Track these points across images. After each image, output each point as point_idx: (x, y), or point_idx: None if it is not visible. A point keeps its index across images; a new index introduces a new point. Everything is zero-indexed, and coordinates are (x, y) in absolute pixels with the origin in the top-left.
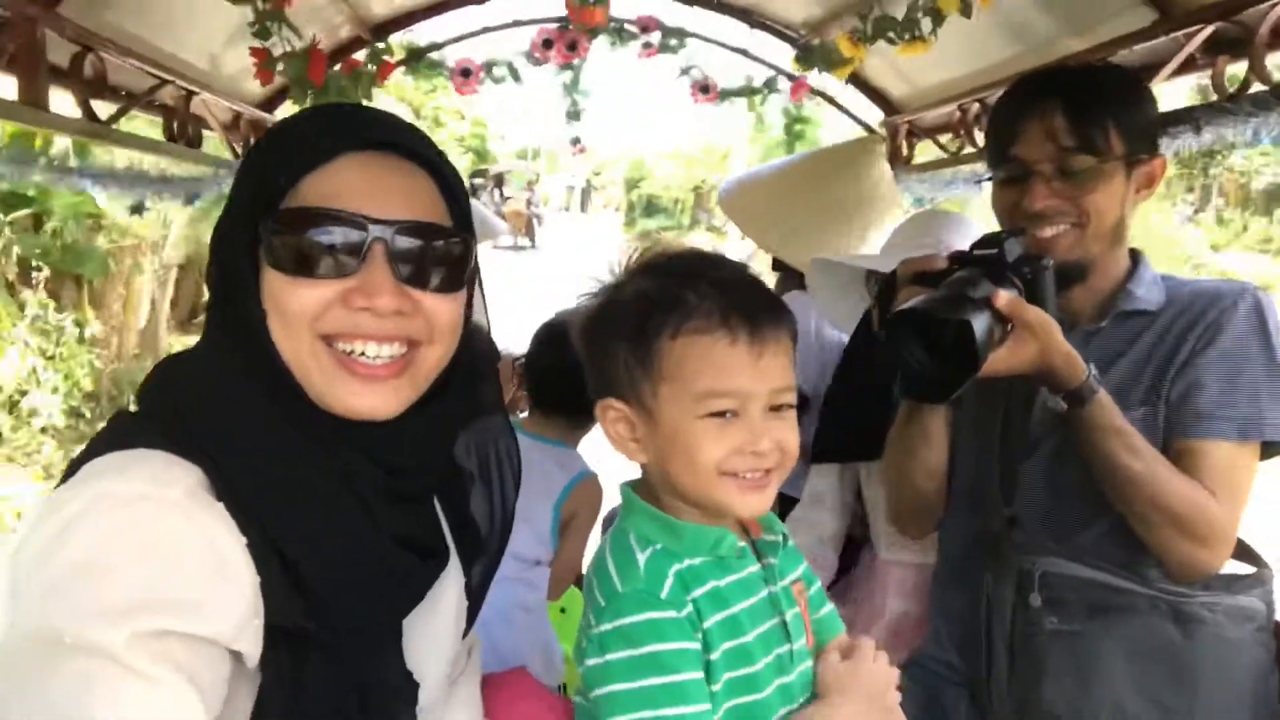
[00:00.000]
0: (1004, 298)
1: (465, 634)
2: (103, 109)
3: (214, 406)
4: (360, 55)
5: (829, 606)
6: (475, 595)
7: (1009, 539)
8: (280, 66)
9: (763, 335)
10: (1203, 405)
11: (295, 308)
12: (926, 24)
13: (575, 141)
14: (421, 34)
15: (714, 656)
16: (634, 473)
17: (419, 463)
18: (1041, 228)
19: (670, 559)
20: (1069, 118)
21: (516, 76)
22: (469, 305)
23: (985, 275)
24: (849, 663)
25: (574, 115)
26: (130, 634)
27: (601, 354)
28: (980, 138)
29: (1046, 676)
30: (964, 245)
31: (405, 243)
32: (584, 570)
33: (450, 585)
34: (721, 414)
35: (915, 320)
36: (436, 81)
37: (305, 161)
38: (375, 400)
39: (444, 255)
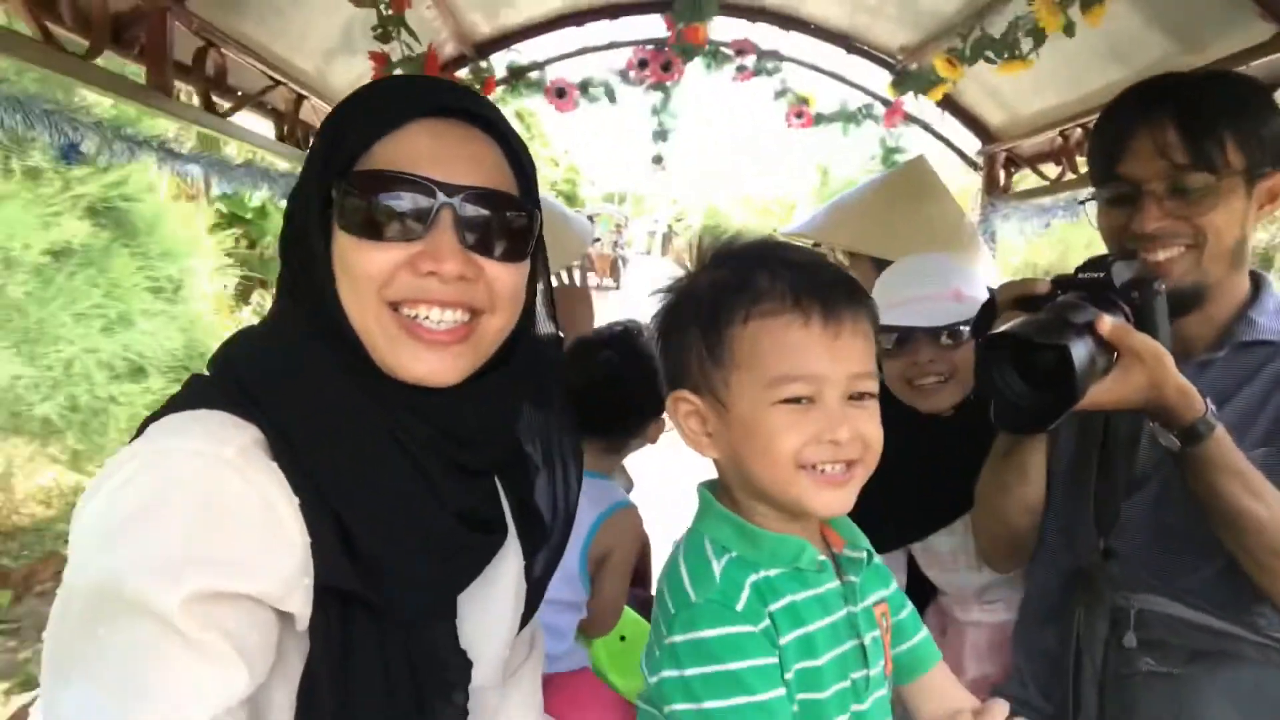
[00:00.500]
0: (1108, 323)
1: (525, 621)
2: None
3: (277, 370)
4: (462, 73)
5: (923, 633)
6: (537, 584)
7: (1104, 573)
8: (398, 71)
9: (839, 316)
10: None
11: (363, 271)
12: (1027, 44)
13: (658, 160)
14: (522, 54)
15: (787, 676)
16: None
17: (479, 433)
18: (1153, 250)
19: (747, 569)
20: (1182, 131)
21: (612, 96)
22: (533, 280)
23: (1089, 300)
24: None
25: (660, 136)
26: (182, 598)
27: (674, 345)
28: (1083, 164)
29: None
30: (973, 291)
31: (472, 209)
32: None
33: (509, 567)
34: (796, 400)
35: (1010, 345)
36: (531, 122)
37: (377, 127)
38: (437, 365)
39: (509, 224)
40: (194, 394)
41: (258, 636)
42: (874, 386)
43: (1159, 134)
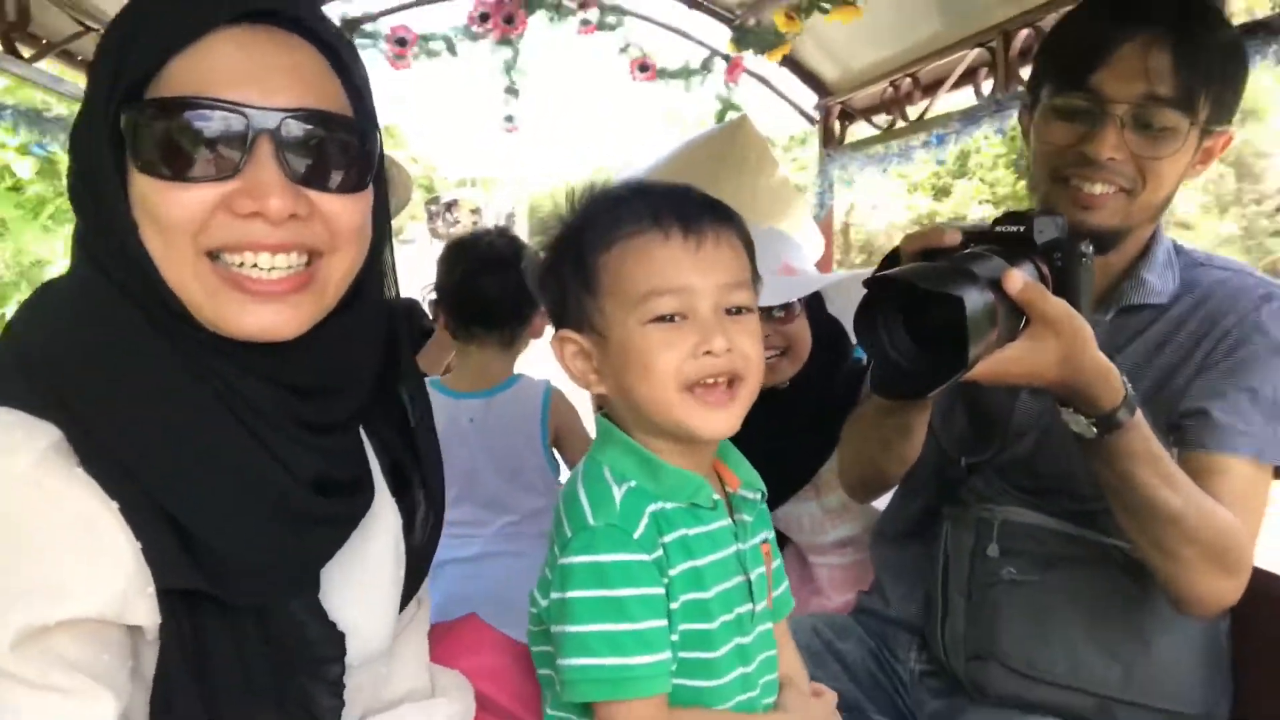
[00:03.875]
0: (1018, 280)
1: (415, 584)
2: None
3: (76, 347)
4: None
5: (785, 584)
6: (422, 549)
7: (969, 487)
8: None
9: (700, 229)
10: (1222, 418)
11: (171, 217)
12: None
13: (509, 119)
14: (356, 6)
15: (674, 606)
16: None
17: (327, 383)
18: (1092, 181)
19: (645, 498)
20: (1176, 59)
21: (453, 50)
22: (380, 211)
23: (1003, 255)
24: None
25: (512, 92)
26: (10, 642)
27: (551, 286)
28: (912, 113)
29: (1002, 625)
30: (801, 264)
31: (296, 134)
32: None
33: (383, 529)
34: (669, 319)
35: (897, 293)
36: (393, 129)
37: (171, 40)
38: (271, 319)
39: (343, 149)
40: None
41: (109, 656)
42: (749, 300)
43: (1150, 55)
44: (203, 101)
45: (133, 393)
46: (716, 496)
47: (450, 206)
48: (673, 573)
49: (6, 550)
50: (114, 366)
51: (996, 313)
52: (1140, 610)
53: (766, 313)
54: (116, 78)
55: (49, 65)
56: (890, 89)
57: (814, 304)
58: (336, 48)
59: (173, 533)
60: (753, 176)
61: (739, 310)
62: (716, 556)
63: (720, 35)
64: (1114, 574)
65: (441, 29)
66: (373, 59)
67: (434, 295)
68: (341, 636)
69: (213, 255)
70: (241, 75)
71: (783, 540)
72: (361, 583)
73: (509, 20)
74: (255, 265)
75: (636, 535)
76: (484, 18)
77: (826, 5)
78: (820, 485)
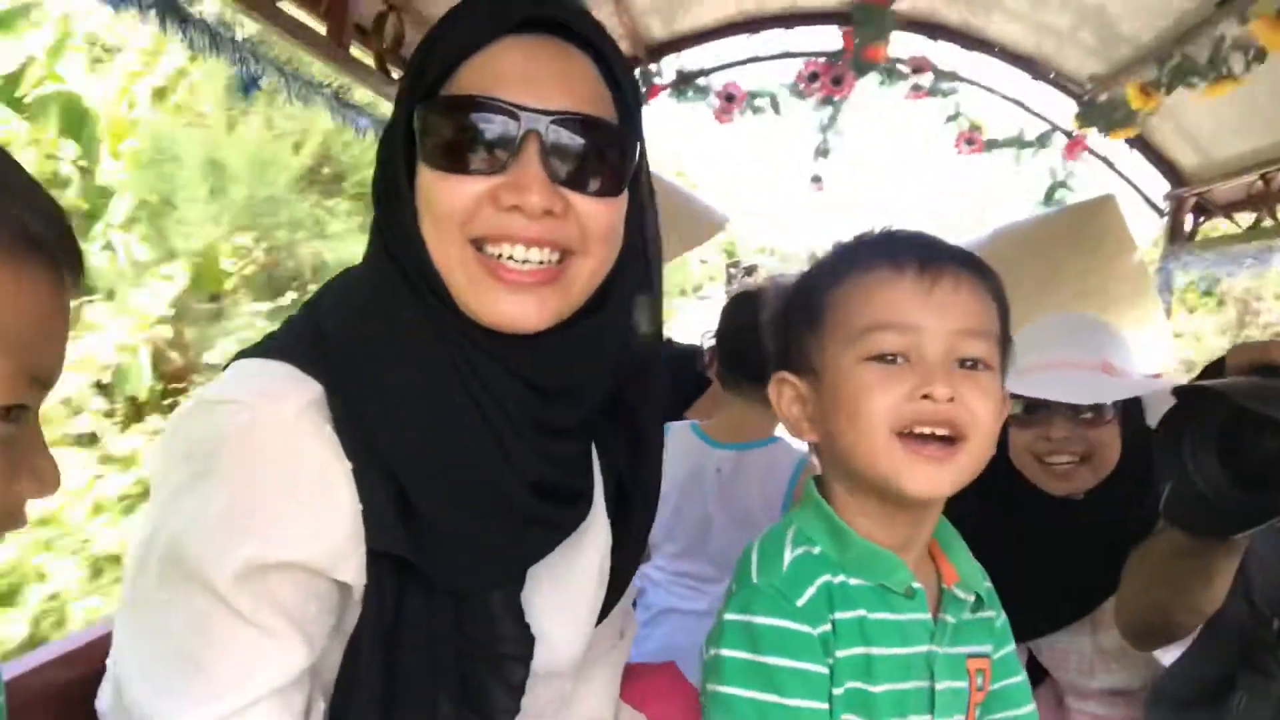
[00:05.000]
0: None
1: (609, 606)
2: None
3: (355, 322)
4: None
5: (1029, 708)
6: (621, 566)
7: (1276, 656)
8: None
9: (938, 267)
10: None
11: (445, 206)
12: (1238, 63)
13: (816, 179)
14: (691, 60)
15: (837, 692)
16: None
17: (567, 386)
18: None
19: (822, 566)
20: None
21: (777, 109)
22: (637, 218)
23: None
24: None
25: (823, 152)
26: (235, 572)
27: (779, 330)
28: None
29: None
30: (1125, 365)
31: (561, 136)
32: None
33: (592, 543)
34: (890, 359)
35: (1217, 413)
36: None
37: (462, 46)
38: (520, 309)
39: (604, 155)
40: (280, 336)
41: (315, 608)
42: (988, 355)
43: None
44: (482, 101)
45: (393, 371)
46: (916, 585)
47: (749, 271)
48: (840, 654)
49: (254, 486)
50: (382, 345)
51: None
52: None
53: (1073, 411)
54: (418, 78)
55: None
56: (1260, 183)
57: (1133, 413)
58: (610, 58)
59: (396, 504)
60: (1105, 261)
61: (974, 364)
62: (898, 651)
63: (1061, 108)
64: None
65: (769, 86)
66: (699, 112)
67: (712, 341)
68: (531, 639)
69: (477, 244)
70: (519, 78)
71: (1039, 674)
72: (562, 593)
73: (837, 81)
74: (510, 256)
75: (800, 603)
76: (813, 78)
77: (1196, 80)
78: (1099, 620)
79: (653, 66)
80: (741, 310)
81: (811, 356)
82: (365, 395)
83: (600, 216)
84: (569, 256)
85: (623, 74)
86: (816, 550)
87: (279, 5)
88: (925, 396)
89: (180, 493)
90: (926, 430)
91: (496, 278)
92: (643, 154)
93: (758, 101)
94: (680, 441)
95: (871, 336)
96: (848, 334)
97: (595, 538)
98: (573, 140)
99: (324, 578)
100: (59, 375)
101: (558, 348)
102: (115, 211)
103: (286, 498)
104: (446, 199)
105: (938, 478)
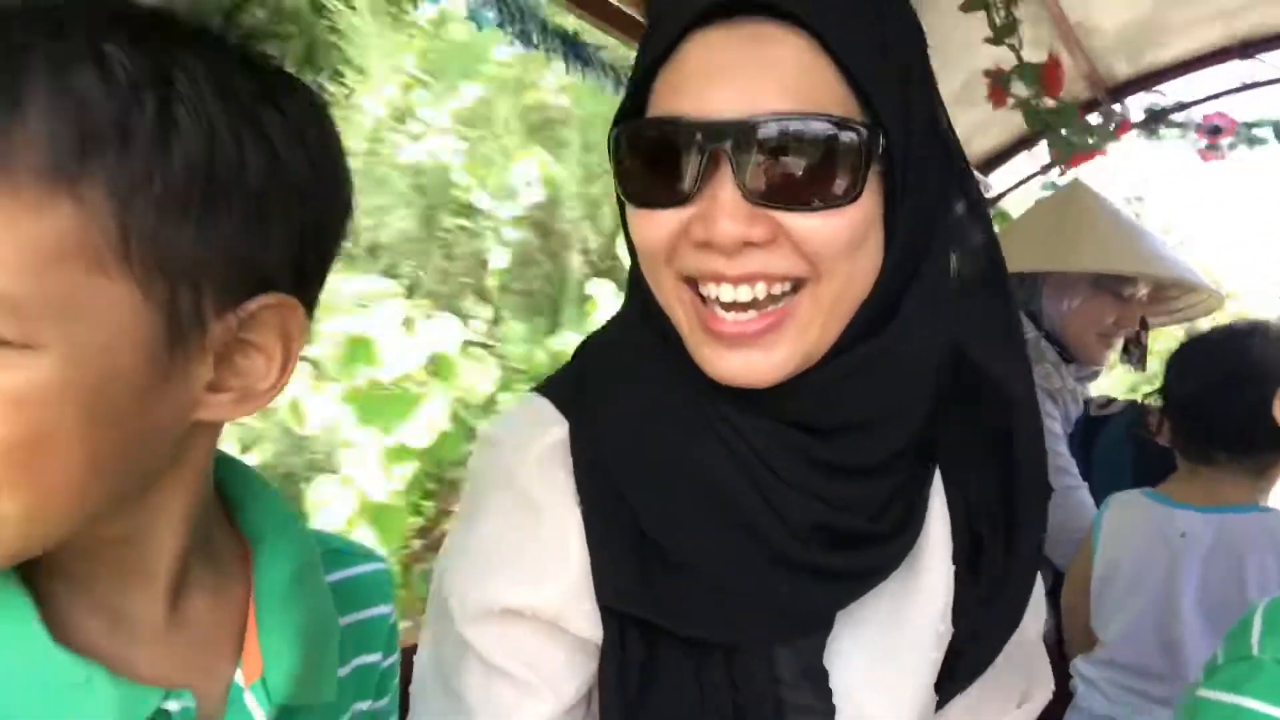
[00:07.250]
0: None
1: (951, 687)
2: None
3: (608, 362)
4: (1091, 116)
5: None
6: (968, 646)
7: None
8: (1015, 85)
9: None
10: None
11: (643, 245)
12: None
13: None
14: (1166, 95)
15: None
16: None
17: (855, 419)
18: None
19: None
20: None
21: None
22: (928, 211)
23: None
24: None
25: None
26: (474, 613)
27: None
28: None
29: None
30: None
31: (756, 146)
32: None
33: (926, 600)
34: None
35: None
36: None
37: (651, 56)
38: (744, 367)
39: (825, 155)
40: (558, 370)
41: (561, 658)
42: None
43: None
44: (652, 121)
45: (636, 407)
46: None
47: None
48: None
49: (504, 529)
50: (625, 379)
51: None
52: None
53: None
54: (625, 99)
55: None
56: None
57: None
58: (830, 37)
59: (633, 556)
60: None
61: None
62: None
63: None
64: None
65: (1271, 114)
66: (1180, 151)
67: (1158, 401)
68: (832, 710)
69: (691, 283)
70: (700, 84)
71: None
72: (876, 647)
73: None
74: (718, 299)
75: None
76: None
77: None
78: None
79: (1117, 106)
80: (1198, 364)
81: None
82: (606, 435)
83: (827, 231)
84: (801, 286)
85: (855, 50)
86: None
87: None
88: None
89: (453, 529)
90: None
91: (708, 330)
92: (875, 144)
93: (1256, 131)
94: (1130, 511)
95: None
96: None
97: (928, 590)
98: (774, 149)
99: (566, 630)
100: None
101: (821, 385)
102: None
103: (528, 539)
104: (639, 236)
105: None
